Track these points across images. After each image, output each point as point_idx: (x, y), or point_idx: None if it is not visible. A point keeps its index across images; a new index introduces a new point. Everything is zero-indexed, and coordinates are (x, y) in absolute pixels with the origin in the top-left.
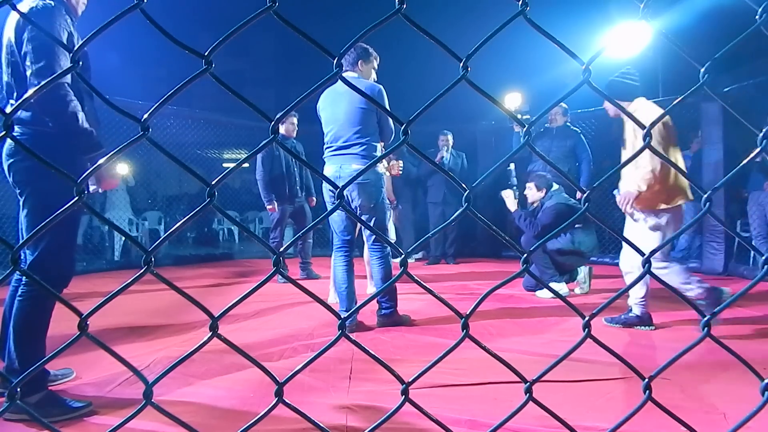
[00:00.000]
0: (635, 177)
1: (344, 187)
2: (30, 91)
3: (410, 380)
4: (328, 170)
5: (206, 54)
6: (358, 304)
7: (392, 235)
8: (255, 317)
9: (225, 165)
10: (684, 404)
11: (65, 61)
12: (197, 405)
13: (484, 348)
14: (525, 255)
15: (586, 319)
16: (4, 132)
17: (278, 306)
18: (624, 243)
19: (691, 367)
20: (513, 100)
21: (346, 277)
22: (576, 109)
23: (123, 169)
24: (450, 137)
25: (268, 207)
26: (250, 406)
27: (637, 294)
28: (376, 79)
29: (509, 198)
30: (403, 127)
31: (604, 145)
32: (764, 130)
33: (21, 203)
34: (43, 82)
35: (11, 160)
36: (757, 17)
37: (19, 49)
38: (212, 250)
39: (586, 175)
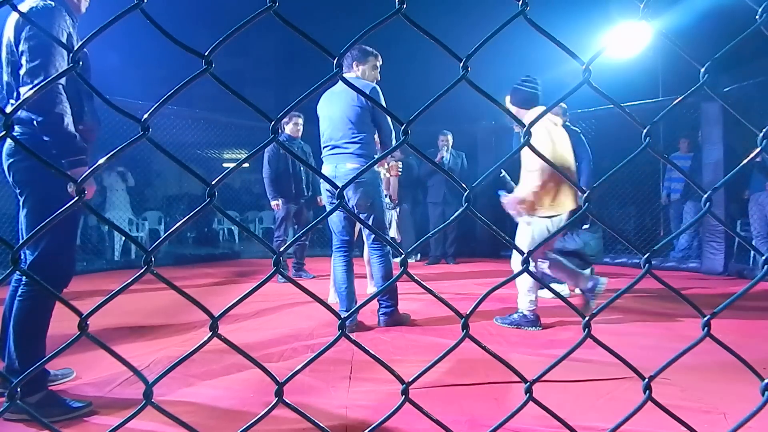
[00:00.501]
0: (525, 181)
1: (344, 187)
2: (24, 89)
3: (410, 380)
4: (325, 170)
5: (206, 54)
6: (358, 304)
7: (394, 234)
8: (255, 317)
9: (225, 165)
10: (684, 404)
11: (61, 62)
12: (197, 405)
13: (484, 348)
14: (525, 255)
15: (586, 319)
16: (4, 132)
17: (278, 306)
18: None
19: (691, 367)
20: None
21: (346, 277)
22: (576, 109)
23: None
24: (450, 137)
25: (273, 204)
26: (250, 406)
27: (523, 287)
28: (378, 79)
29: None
30: (403, 127)
31: (605, 145)
32: (764, 129)
33: (21, 203)
34: (42, 83)
35: (11, 160)
36: (757, 17)
37: (17, 49)
38: (212, 250)
39: (586, 175)
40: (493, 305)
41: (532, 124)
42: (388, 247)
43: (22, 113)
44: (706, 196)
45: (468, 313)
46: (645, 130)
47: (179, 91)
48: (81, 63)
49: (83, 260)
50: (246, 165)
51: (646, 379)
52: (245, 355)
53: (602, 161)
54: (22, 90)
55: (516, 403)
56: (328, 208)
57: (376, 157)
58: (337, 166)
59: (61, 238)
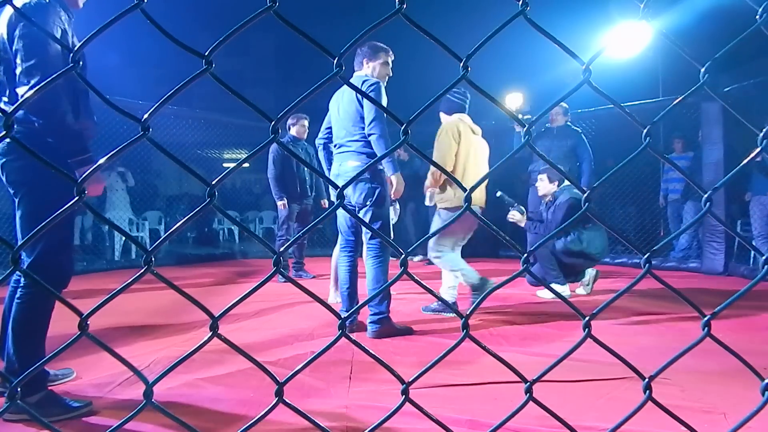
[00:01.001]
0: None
1: (344, 187)
2: (21, 89)
3: (410, 380)
4: (333, 169)
5: (206, 54)
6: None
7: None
8: (255, 317)
9: (225, 165)
10: (684, 404)
11: (57, 60)
12: (197, 405)
13: (484, 348)
14: (525, 255)
15: (586, 319)
16: (4, 132)
17: (278, 306)
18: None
19: (691, 367)
20: (514, 101)
21: (349, 277)
22: (576, 109)
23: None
24: None
25: (279, 203)
26: (250, 406)
27: (446, 282)
28: (390, 75)
29: (516, 217)
30: (403, 128)
31: (605, 144)
32: (765, 129)
33: (16, 204)
34: (42, 84)
35: (4, 160)
36: (757, 17)
37: (11, 46)
38: (213, 249)
39: (587, 175)
40: (493, 305)
41: (532, 124)
42: (387, 249)
43: (18, 112)
44: (706, 196)
45: (468, 313)
46: (645, 130)
47: (179, 91)
48: (81, 63)
49: (83, 260)
50: (246, 165)
51: (646, 379)
52: (245, 355)
53: (603, 161)
54: (20, 90)
55: (516, 403)
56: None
57: (375, 153)
58: (341, 165)
59: (59, 239)
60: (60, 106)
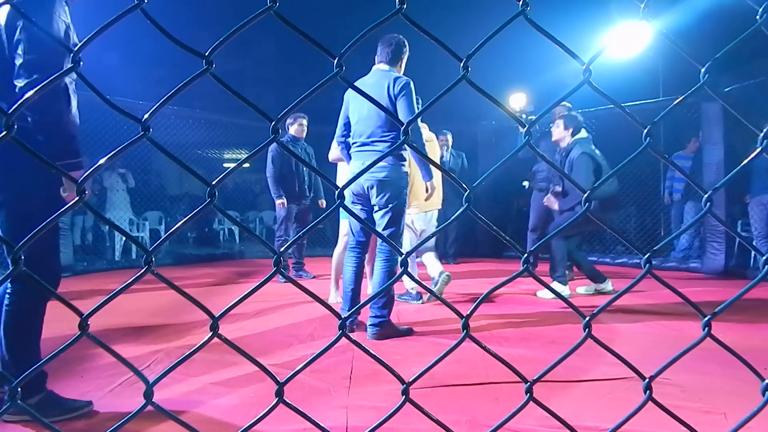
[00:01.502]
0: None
1: (344, 187)
2: (19, 82)
3: (410, 380)
4: (353, 166)
5: (206, 54)
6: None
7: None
8: (255, 317)
9: (225, 165)
10: (684, 404)
11: (59, 57)
12: (197, 405)
13: (484, 348)
14: (525, 255)
15: (587, 319)
16: (5, 132)
17: (278, 306)
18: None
19: (691, 367)
20: (518, 101)
21: (354, 278)
22: (577, 109)
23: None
24: (450, 137)
25: (278, 202)
26: (250, 406)
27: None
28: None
29: (550, 200)
30: (403, 128)
31: (605, 144)
32: (765, 130)
33: None
34: (44, 83)
35: None
36: (757, 17)
37: (10, 35)
38: (213, 250)
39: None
40: (493, 305)
41: (532, 124)
42: (397, 254)
43: (5, 107)
44: (706, 196)
45: (468, 313)
46: (645, 130)
47: (179, 92)
48: (81, 63)
49: (84, 260)
50: (246, 165)
51: (647, 379)
52: (245, 355)
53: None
54: (17, 82)
55: (516, 403)
56: (352, 208)
57: (403, 155)
58: (364, 163)
59: (46, 242)
60: (57, 103)
